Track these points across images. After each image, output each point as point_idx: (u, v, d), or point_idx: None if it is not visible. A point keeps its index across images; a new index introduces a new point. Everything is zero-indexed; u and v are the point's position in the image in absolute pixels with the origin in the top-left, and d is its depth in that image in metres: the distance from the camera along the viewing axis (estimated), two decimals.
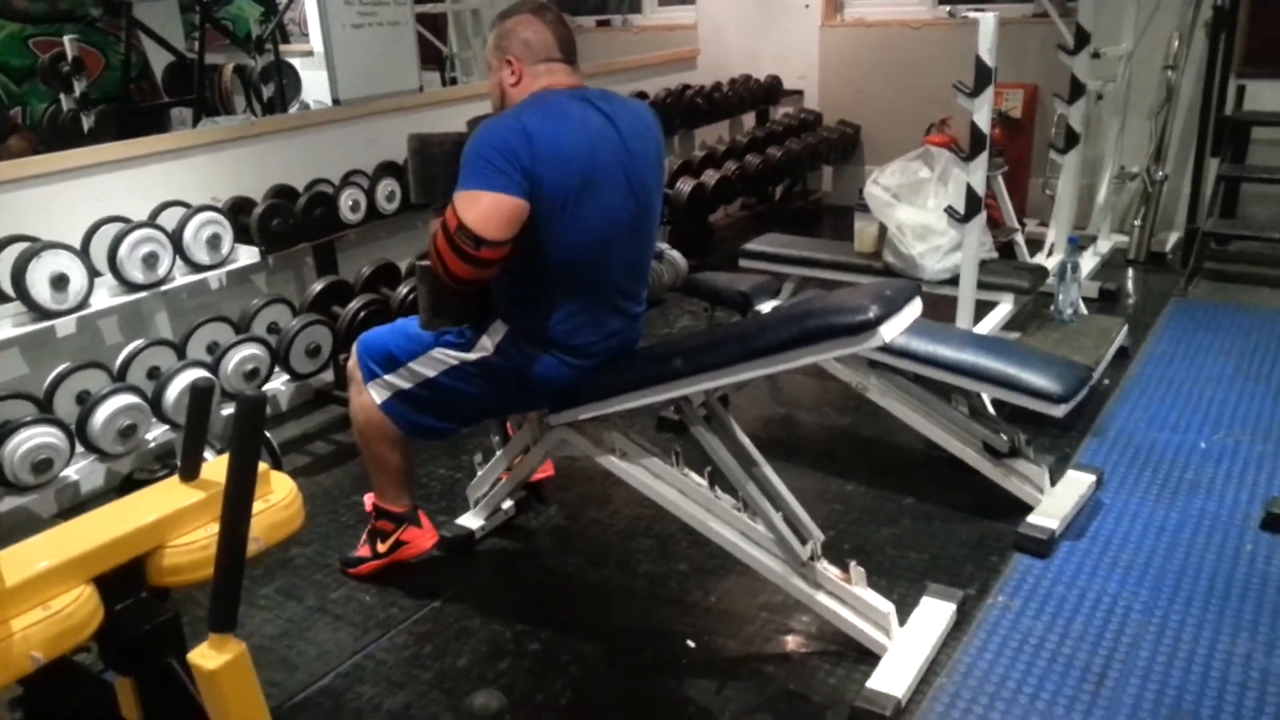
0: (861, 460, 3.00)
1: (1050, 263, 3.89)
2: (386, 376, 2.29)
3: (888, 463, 2.98)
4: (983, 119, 3.11)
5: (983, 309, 3.39)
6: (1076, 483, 2.69)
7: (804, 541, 2.10)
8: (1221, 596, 2.28)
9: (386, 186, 3.55)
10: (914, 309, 2.06)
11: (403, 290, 3.26)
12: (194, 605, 2.06)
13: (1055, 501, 2.60)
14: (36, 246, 2.57)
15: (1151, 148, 4.74)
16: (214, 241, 2.94)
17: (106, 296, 2.76)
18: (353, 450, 3.16)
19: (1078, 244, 3.72)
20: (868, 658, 2.09)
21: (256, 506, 1.49)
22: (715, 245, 5.21)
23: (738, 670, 2.14)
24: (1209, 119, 4.56)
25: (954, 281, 3.31)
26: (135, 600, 1.50)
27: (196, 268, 2.94)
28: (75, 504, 2.87)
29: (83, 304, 2.66)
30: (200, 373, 2.72)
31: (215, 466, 1.59)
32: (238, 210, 3.20)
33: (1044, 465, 2.66)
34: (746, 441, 2.22)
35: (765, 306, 3.15)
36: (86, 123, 4.78)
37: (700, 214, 4.99)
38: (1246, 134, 4.70)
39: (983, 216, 3.25)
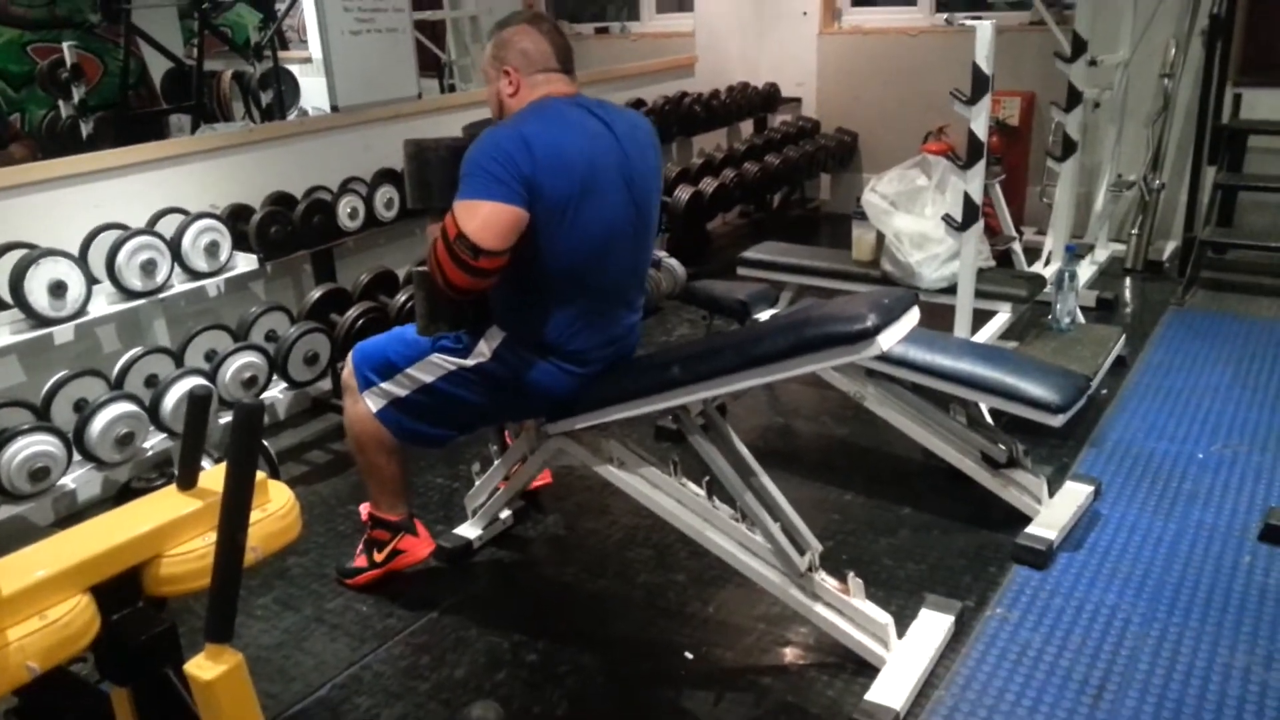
0: (860, 470, 3.00)
1: (1048, 271, 3.89)
2: (383, 384, 2.28)
3: (886, 472, 2.97)
4: (980, 127, 3.11)
5: (980, 318, 3.39)
6: (1074, 493, 2.69)
7: (802, 552, 2.10)
8: (1220, 609, 2.28)
9: (385, 194, 3.55)
10: (912, 318, 2.06)
11: (401, 298, 3.26)
12: (190, 615, 2.05)
13: (1053, 512, 2.60)
14: (35, 254, 2.57)
15: (1149, 156, 4.75)
16: (212, 249, 2.94)
17: (104, 304, 2.76)
18: (350, 459, 3.14)
19: (1075, 252, 3.73)
20: (866, 670, 2.09)
21: (254, 516, 1.48)
22: (713, 253, 5.22)
23: (735, 682, 2.14)
24: (1206, 127, 4.58)
25: (952, 290, 3.31)
26: (132, 610, 1.49)
27: (195, 275, 2.93)
28: (72, 512, 2.86)
29: (80, 311, 2.66)
30: (198, 381, 2.71)
31: (213, 475, 1.58)
32: (236, 217, 3.19)
33: (1042, 476, 2.67)
34: (744, 451, 2.22)
35: (763, 315, 3.15)
36: (85, 129, 4.77)
37: (698, 222, 4.99)
38: (1243, 142, 4.72)
39: (980, 225, 3.25)
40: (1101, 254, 4.65)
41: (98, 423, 2.53)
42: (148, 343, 2.90)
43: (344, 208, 3.40)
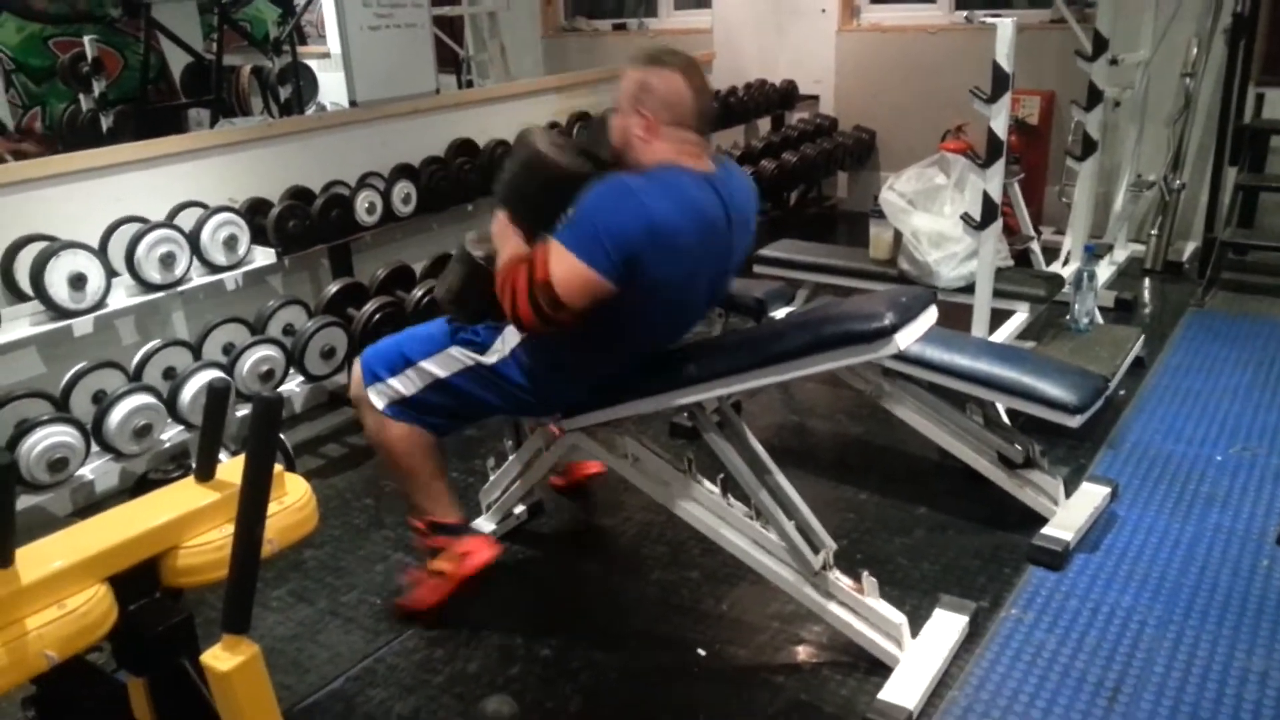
0: (875, 469, 2.99)
1: (1066, 271, 3.87)
2: (390, 380, 2.23)
3: (901, 472, 2.96)
4: (1000, 125, 3.09)
5: (998, 317, 3.38)
6: (1091, 495, 2.67)
7: (816, 551, 2.09)
8: (1237, 612, 2.26)
9: (402, 189, 3.56)
10: (929, 317, 2.05)
11: (418, 293, 3.27)
12: (206, 607, 2.06)
13: (1070, 514, 2.58)
14: (55, 246, 2.59)
15: (1169, 156, 4.72)
16: (231, 242, 2.96)
17: (124, 296, 2.77)
18: (366, 453, 3.17)
19: (1094, 252, 3.71)
20: (879, 669, 2.08)
21: (271, 508, 1.49)
22: None
23: (749, 680, 2.13)
24: (1227, 127, 4.53)
25: (969, 289, 3.30)
26: (149, 600, 1.51)
27: (213, 268, 2.95)
28: (90, 503, 2.88)
29: (100, 304, 2.68)
30: (216, 373, 2.73)
31: (230, 468, 1.59)
32: (255, 211, 3.21)
33: (1059, 476, 2.65)
34: (759, 448, 2.22)
35: (780, 312, 3.14)
36: (105, 123, 4.81)
37: None
38: (1265, 142, 4.68)
39: (999, 224, 3.23)
40: (1121, 254, 4.62)
41: (116, 414, 2.55)
42: (166, 335, 2.92)
43: (361, 202, 3.41)
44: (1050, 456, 2.77)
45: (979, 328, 3.28)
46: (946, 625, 2.18)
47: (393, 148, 3.75)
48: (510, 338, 2.17)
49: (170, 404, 2.67)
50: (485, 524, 2.66)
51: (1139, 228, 4.91)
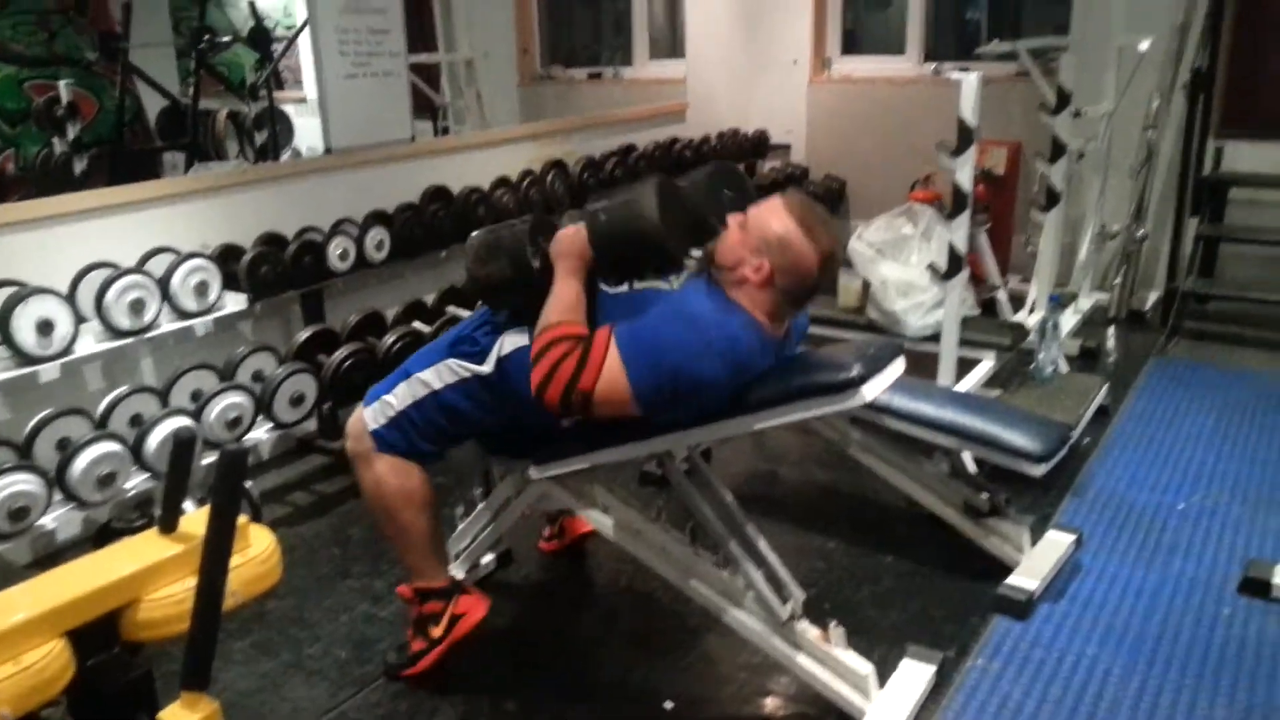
0: (844, 516, 3.00)
1: (1031, 320, 3.92)
2: (387, 396, 2.21)
3: (870, 519, 2.98)
4: (965, 178, 3.15)
5: (964, 365, 3.42)
6: (1056, 543, 2.70)
7: (785, 600, 2.10)
8: (1200, 661, 2.28)
9: (375, 236, 3.57)
10: (897, 368, 2.08)
11: (389, 339, 3.26)
12: (166, 658, 2.03)
13: (1035, 562, 2.60)
14: (23, 291, 2.58)
15: (1132, 207, 4.81)
16: (201, 289, 2.95)
17: (92, 342, 2.76)
18: (334, 500, 3.15)
19: (1059, 302, 3.77)
20: None
21: (234, 560, 1.48)
22: None
23: None
24: (1188, 179, 4.65)
25: (936, 338, 3.34)
26: (108, 655, 1.48)
27: (183, 314, 2.94)
28: (50, 552, 2.83)
29: (67, 350, 2.66)
30: (183, 421, 2.71)
31: (194, 519, 1.58)
32: (227, 257, 3.21)
33: (1024, 525, 2.67)
34: (728, 496, 2.23)
35: None
36: (79, 166, 4.80)
37: None
38: (1225, 194, 4.79)
39: (965, 274, 3.28)
40: (1085, 303, 4.69)
41: (80, 462, 2.52)
42: (134, 381, 2.90)
43: (334, 249, 3.42)
44: (1016, 504, 2.79)
45: (945, 376, 3.31)
46: (914, 675, 2.18)
47: (367, 194, 3.76)
48: (506, 345, 2.14)
49: (136, 452, 2.65)
50: (454, 572, 2.64)
51: (1103, 277, 4.99)
